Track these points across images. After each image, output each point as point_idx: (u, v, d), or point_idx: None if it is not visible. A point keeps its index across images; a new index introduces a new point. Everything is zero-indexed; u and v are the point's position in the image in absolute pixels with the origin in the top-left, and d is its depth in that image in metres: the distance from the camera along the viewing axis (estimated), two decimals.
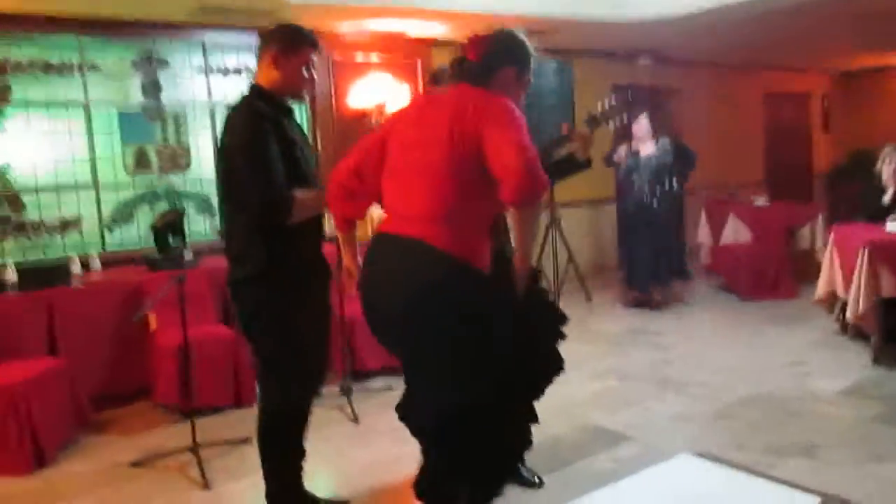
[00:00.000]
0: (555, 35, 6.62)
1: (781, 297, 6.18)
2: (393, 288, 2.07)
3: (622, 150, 5.81)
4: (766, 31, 6.98)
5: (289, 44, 2.52)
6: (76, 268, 4.29)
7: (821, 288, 5.00)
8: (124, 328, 4.15)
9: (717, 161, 9.08)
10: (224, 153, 2.49)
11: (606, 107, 2.88)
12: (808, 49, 8.73)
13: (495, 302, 2.08)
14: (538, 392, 2.52)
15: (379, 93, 6.15)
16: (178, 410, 3.95)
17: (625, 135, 5.92)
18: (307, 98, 2.60)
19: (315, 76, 2.61)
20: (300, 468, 2.71)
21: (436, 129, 2.12)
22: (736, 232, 6.80)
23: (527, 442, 2.60)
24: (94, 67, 4.99)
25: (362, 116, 6.13)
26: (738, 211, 6.91)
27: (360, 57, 6.20)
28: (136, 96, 5.19)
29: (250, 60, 5.64)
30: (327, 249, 2.74)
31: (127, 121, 5.16)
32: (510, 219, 2.09)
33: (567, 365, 4.60)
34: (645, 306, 6.02)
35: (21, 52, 4.73)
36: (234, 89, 5.57)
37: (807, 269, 6.39)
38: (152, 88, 5.24)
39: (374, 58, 6.26)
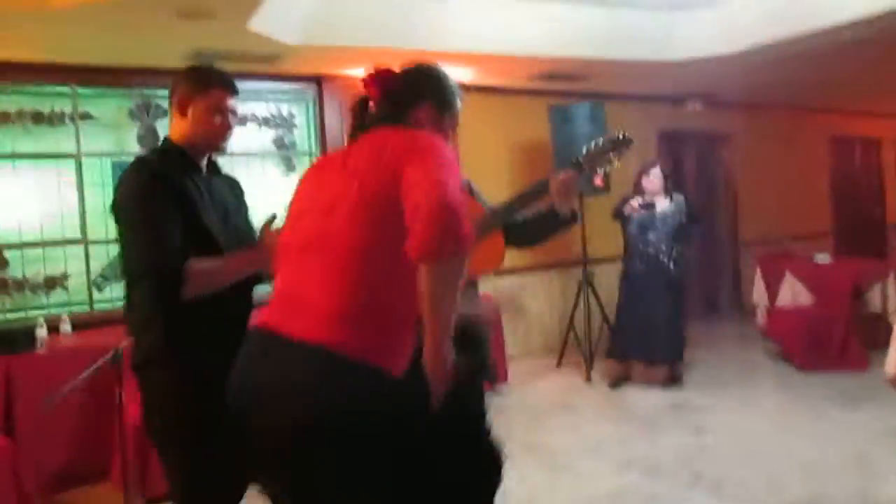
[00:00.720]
0: (589, 79, 6.15)
1: (847, 369, 5.41)
2: (283, 409, 1.51)
3: (635, 202, 5.22)
4: (830, 69, 6.31)
5: (194, 86, 2.14)
6: (42, 332, 3.95)
7: (891, 364, 4.26)
8: (93, 399, 3.80)
9: (777, 211, 8.37)
10: (113, 216, 2.10)
11: (592, 148, 2.36)
12: (878, 90, 7.98)
13: (406, 418, 1.54)
14: None
15: None
16: (139, 496, 3.54)
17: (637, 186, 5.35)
18: (224, 148, 2.15)
19: (231, 123, 2.21)
20: None
21: (341, 190, 1.63)
22: (794, 292, 6.07)
23: None
24: (88, 117, 4.76)
25: None
26: (796, 268, 6.19)
27: None
28: (133, 147, 4.92)
29: (255, 108, 5.37)
30: None
31: (122, 172, 4.88)
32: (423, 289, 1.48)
33: (585, 451, 4.05)
34: (626, 382, 5.37)
35: (10, 101, 4.52)
36: (236, 139, 5.29)
37: (878, 335, 5.61)
38: (150, 138, 4.97)
39: None
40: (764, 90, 7.30)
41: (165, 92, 5.02)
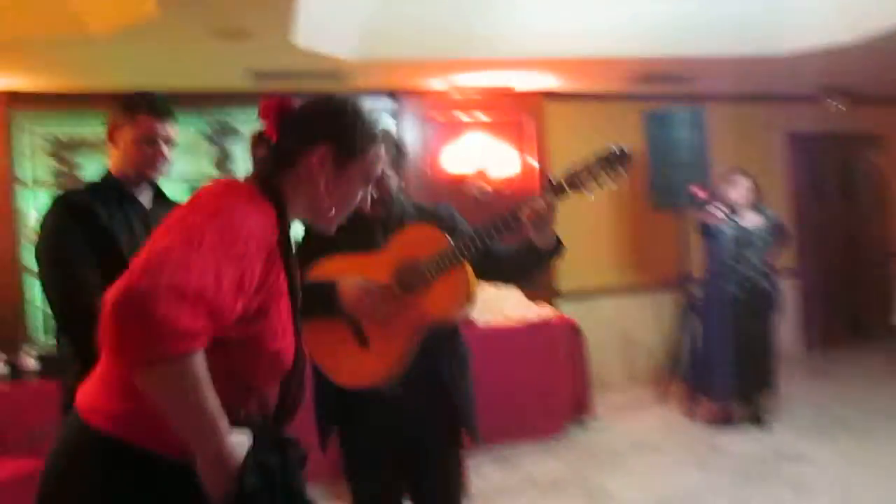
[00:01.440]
0: (690, 81, 5.55)
1: None
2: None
3: (717, 211, 4.54)
4: None
5: (122, 114, 2.00)
6: None
7: None
8: None
9: None
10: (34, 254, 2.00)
11: (577, 167, 1.94)
12: None
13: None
14: None
15: (479, 154, 5.50)
16: None
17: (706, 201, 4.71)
18: (156, 178, 1.98)
19: (164, 151, 2.03)
20: None
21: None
22: None
23: None
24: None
25: (460, 182, 5.47)
26: None
27: (456, 115, 5.57)
28: (208, 169, 4.98)
29: None
30: None
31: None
32: None
33: None
34: (727, 423, 4.68)
35: (91, 129, 4.71)
36: None
37: None
38: (224, 160, 5.01)
39: (472, 116, 5.59)
40: None
41: (236, 114, 5.07)
